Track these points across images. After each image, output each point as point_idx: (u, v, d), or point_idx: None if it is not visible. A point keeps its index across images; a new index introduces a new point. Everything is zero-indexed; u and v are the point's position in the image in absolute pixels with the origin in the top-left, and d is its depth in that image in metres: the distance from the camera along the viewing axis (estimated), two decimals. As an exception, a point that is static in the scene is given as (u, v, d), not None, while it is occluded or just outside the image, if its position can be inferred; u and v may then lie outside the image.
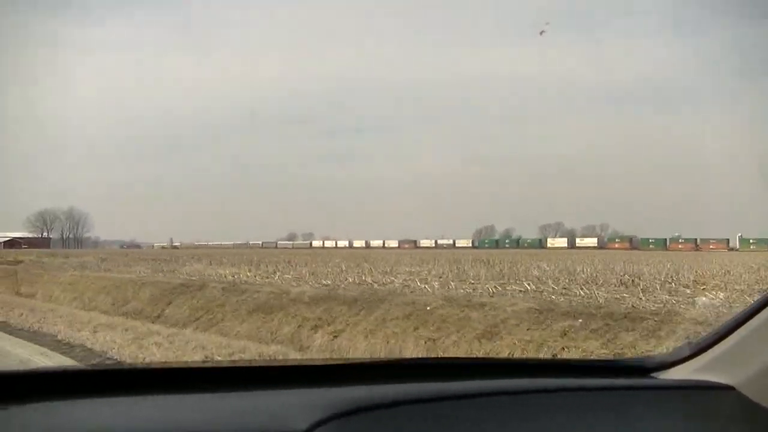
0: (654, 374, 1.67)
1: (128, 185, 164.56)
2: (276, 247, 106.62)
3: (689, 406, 1.55)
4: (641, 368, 1.71)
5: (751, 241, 78.85)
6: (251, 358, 8.93)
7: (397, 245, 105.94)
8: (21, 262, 33.38)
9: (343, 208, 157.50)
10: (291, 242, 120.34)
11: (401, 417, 1.33)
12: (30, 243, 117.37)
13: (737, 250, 73.48)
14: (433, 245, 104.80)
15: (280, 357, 9.17)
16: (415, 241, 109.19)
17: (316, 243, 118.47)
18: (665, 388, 1.61)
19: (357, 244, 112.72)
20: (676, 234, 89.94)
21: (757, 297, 1.73)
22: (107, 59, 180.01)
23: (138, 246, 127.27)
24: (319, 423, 1.24)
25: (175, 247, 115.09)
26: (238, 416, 1.30)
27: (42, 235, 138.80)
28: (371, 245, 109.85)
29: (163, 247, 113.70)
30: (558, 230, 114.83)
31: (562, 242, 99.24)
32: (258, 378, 1.54)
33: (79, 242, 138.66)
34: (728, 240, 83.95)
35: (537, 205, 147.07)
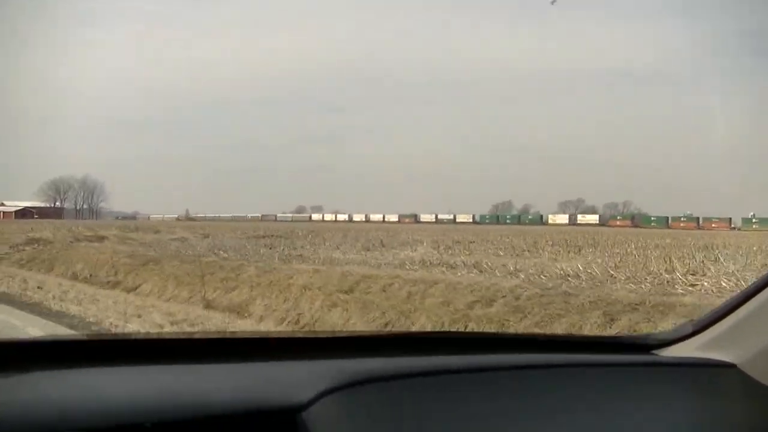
0: (656, 351, 1.68)
1: (129, 158, 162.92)
2: (275, 220, 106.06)
3: (691, 384, 1.56)
4: (643, 345, 1.71)
5: (753, 220, 78.35)
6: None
7: (397, 219, 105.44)
8: (105, 238, 25.00)
9: (350, 182, 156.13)
10: (290, 215, 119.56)
11: (407, 389, 1.34)
12: (41, 213, 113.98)
13: (740, 229, 72.98)
14: (434, 220, 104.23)
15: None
16: (415, 216, 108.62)
17: (315, 216, 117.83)
18: (667, 365, 1.62)
19: (357, 218, 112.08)
20: (688, 212, 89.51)
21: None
22: (113, 33, 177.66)
23: (133, 217, 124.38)
24: (325, 393, 1.26)
25: (192, 219, 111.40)
26: (244, 386, 1.30)
27: (54, 204, 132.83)
28: (371, 219, 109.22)
29: (177, 219, 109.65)
30: (579, 207, 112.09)
31: (563, 219, 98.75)
32: (265, 350, 1.53)
33: (94, 213, 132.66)
34: (730, 219, 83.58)
35: (557, 181, 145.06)
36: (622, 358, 1.65)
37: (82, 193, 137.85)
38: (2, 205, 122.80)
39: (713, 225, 79.58)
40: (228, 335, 2.51)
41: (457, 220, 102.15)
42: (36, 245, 21.87)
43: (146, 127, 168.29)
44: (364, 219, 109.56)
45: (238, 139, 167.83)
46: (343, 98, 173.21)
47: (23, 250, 21.06)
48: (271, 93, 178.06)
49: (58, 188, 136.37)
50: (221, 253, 17.24)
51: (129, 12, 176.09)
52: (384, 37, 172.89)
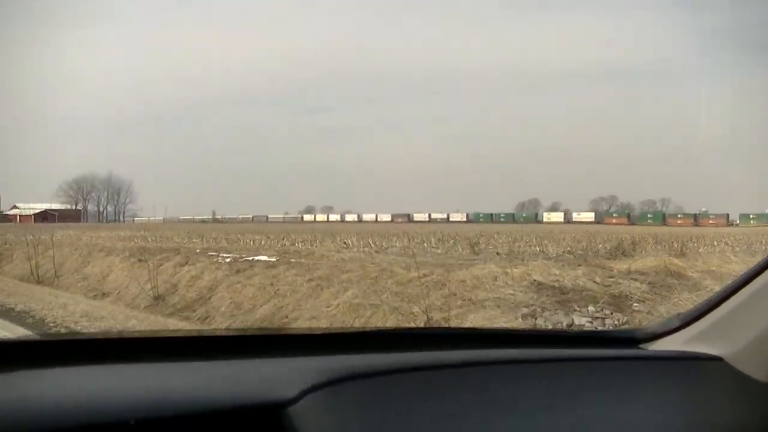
0: (643, 345, 1.68)
1: (129, 158, 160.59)
2: (267, 221, 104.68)
3: (678, 377, 1.55)
4: (630, 339, 1.72)
5: (751, 216, 78.34)
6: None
7: (390, 219, 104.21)
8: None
9: (354, 183, 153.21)
10: (282, 216, 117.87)
11: (391, 385, 1.35)
12: (62, 216, 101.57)
13: (737, 225, 72.22)
14: (427, 219, 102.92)
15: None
16: (408, 215, 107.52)
17: (307, 217, 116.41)
18: (654, 359, 1.62)
19: (349, 218, 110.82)
20: (703, 209, 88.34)
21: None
22: (96, 34, 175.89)
23: (116, 220, 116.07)
24: (310, 389, 1.25)
25: (218, 221, 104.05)
26: (229, 383, 1.29)
27: (76, 206, 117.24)
28: (363, 219, 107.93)
29: (203, 221, 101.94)
30: (612, 204, 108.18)
31: (558, 217, 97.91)
32: (250, 347, 1.53)
33: (120, 215, 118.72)
34: (728, 215, 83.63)
35: (589, 179, 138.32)
36: (609, 352, 1.64)
37: (105, 194, 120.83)
38: (15, 207, 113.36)
39: (710, 222, 79.43)
40: (213, 332, 2.40)
41: (451, 219, 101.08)
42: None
43: (136, 128, 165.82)
44: (356, 219, 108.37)
45: (228, 139, 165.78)
46: (352, 95, 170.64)
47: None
48: (262, 92, 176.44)
49: (80, 188, 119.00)
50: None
51: (123, 12, 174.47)
52: (381, 34, 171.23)
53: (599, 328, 7.33)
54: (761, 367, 1.48)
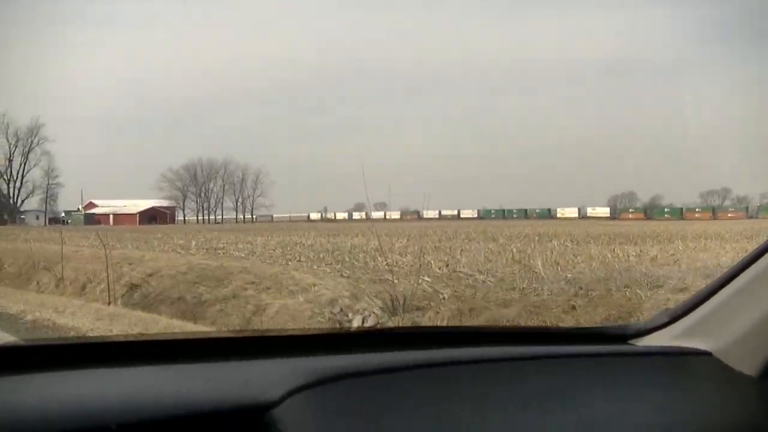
0: (632, 341, 1.69)
1: (117, 154, 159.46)
2: (272, 221, 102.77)
3: (667, 373, 1.55)
4: (620, 335, 1.72)
5: None
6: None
7: (399, 216, 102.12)
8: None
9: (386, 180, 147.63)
10: (288, 215, 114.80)
11: (378, 386, 1.35)
12: (173, 214, 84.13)
13: (756, 218, 69.69)
14: (437, 216, 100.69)
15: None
16: (418, 212, 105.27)
17: (314, 216, 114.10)
18: (643, 354, 1.64)
19: (356, 216, 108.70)
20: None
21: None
22: (104, 36, 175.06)
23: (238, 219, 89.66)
24: (295, 390, 1.25)
25: (329, 220, 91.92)
26: (212, 386, 1.30)
27: (184, 201, 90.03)
28: (371, 217, 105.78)
29: (310, 220, 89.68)
30: (725, 197, 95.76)
31: (572, 212, 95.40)
32: (236, 349, 1.53)
33: (247, 212, 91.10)
34: (747, 208, 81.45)
35: (698, 169, 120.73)
36: (599, 349, 1.64)
37: (222, 184, 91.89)
38: (92, 205, 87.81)
39: (729, 215, 77.36)
40: (196, 335, 2.31)
41: (462, 216, 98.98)
42: None
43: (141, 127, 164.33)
44: (364, 217, 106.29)
45: (230, 138, 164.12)
46: (364, 92, 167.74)
47: None
48: (267, 90, 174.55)
49: (194, 177, 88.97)
50: None
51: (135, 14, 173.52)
52: (386, 28, 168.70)
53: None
54: (749, 362, 1.48)
